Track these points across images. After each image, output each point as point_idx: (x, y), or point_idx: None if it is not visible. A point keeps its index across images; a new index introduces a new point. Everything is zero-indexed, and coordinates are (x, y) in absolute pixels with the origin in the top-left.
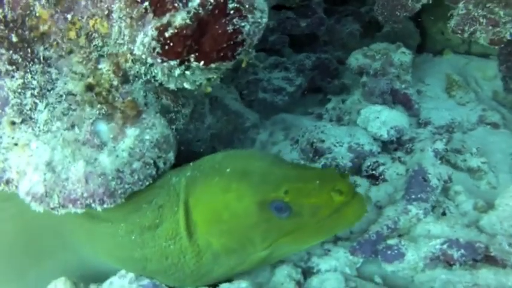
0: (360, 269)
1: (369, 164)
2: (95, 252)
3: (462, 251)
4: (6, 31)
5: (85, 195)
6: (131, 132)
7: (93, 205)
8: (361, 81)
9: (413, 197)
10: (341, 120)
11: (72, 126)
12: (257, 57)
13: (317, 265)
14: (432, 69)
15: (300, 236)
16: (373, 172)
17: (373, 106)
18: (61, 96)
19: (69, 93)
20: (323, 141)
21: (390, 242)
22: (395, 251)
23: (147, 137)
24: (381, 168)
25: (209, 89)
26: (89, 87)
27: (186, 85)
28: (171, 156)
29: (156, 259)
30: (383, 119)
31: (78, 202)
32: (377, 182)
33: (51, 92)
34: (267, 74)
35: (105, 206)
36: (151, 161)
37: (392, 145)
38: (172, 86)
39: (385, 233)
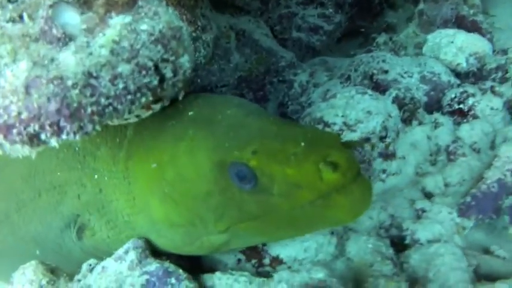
0: (468, 237)
1: (453, 95)
2: None
3: None
4: None
5: (24, 116)
6: (117, 20)
7: (42, 136)
8: (417, 10)
9: None
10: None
11: (20, 16)
12: None
13: (413, 233)
14: None
15: (267, 226)
16: (460, 106)
17: (443, 30)
18: None
19: None
20: (386, 71)
21: None
22: None
23: (144, 27)
24: (471, 100)
25: None
26: None
27: None
28: (186, 62)
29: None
30: (459, 44)
31: (14, 131)
32: (465, 120)
33: None
34: (300, 9)
35: (63, 137)
36: (151, 64)
37: (470, 78)
38: None
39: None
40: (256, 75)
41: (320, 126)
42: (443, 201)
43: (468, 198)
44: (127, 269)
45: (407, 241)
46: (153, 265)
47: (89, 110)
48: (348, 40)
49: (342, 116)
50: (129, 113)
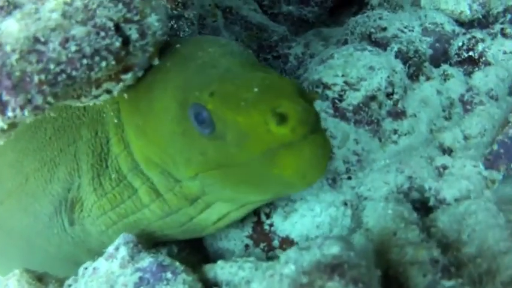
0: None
1: (461, 43)
2: None
3: None
4: None
5: None
6: None
7: None
8: None
9: None
10: None
11: None
12: None
13: (437, 192)
14: None
15: (229, 177)
16: (470, 54)
17: None
18: None
19: None
20: (384, 28)
21: None
22: None
23: None
24: (481, 46)
25: None
26: None
27: None
28: (154, 22)
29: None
30: None
31: None
32: (477, 67)
33: None
34: None
35: (8, 114)
36: (111, 25)
37: (476, 27)
38: None
39: None
40: None
41: (319, 90)
42: (465, 155)
43: (495, 147)
44: (118, 268)
45: (431, 203)
46: (146, 260)
47: (36, 78)
48: (341, 10)
49: (342, 75)
50: (91, 83)
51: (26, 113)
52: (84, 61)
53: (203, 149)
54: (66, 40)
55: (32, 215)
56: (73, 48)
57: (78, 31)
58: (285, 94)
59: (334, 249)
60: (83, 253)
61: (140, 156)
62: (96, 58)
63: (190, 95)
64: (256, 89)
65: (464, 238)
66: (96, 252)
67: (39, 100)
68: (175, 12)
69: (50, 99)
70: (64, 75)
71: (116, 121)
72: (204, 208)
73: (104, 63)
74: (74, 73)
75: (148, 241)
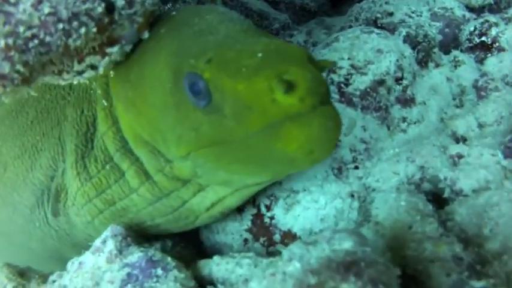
0: None
1: (472, 28)
2: None
3: None
4: None
5: None
6: None
7: None
8: None
9: None
10: None
11: None
12: None
13: (453, 183)
14: None
15: (224, 155)
16: (483, 39)
17: None
18: None
19: None
20: (391, 14)
21: None
22: None
23: None
24: (494, 30)
25: None
26: None
27: None
28: None
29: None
30: None
31: None
32: (490, 53)
33: None
34: None
35: None
36: None
37: (486, 13)
38: None
39: None
40: None
41: (324, 74)
42: (482, 143)
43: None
44: (105, 262)
45: (446, 194)
46: (135, 254)
47: (2, 43)
48: (344, 1)
49: (349, 58)
50: (71, 55)
51: None
52: (60, 25)
53: (197, 123)
54: (40, 1)
55: (11, 208)
56: (46, 9)
57: None
58: (293, 59)
59: (347, 244)
60: (68, 248)
61: (129, 133)
62: (74, 23)
63: (184, 63)
64: (260, 54)
65: (486, 233)
66: (82, 247)
67: (5, 68)
68: None
69: (19, 67)
70: (36, 41)
71: (103, 94)
72: (197, 191)
73: (83, 30)
74: (47, 39)
75: (139, 234)
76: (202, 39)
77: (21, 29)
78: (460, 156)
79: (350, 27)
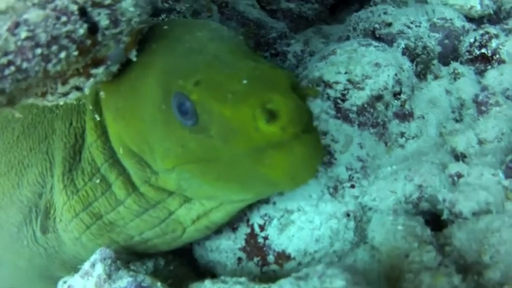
0: None
1: (472, 40)
2: None
3: None
4: None
5: None
6: None
7: None
8: None
9: None
10: None
11: None
12: None
13: (452, 205)
14: None
15: (209, 172)
16: (483, 51)
17: None
18: None
19: None
20: (389, 24)
21: None
22: None
23: None
24: (494, 42)
25: None
26: None
27: None
28: (129, 7)
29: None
30: None
31: None
32: (490, 66)
33: None
34: None
35: None
36: (74, 8)
37: (485, 24)
38: None
39: None
40: None
41: (320, 88)
42: (482, 162)
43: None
44: (94, 287)
45: (444, 216)
46: (124, 279)
47: None
48: (342, 8)
49: (346, 72)
50: (53, 79)
51: None
52: (38, 51)
53: (183, 140)
54: (16, 25)
55: None
56: (23, 34)
57: (33, 15)
58: (277, 88)
59: (339, 283)
60: (57, 266)
61: (117, 143)
62: (54, 47)
63: (174, 82)
64: (245, 81)
65: (486, 260)
66: (71, 265)
67: None
68: (166, 5)
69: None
70: (13, 68)
71: (93, 104)
72: (183, 201)
73: (63, 54)
74: (24, 65)
75: (129, 252)
76: (191, 59)
77: None
78: (459, 176)
79: (348, 37)
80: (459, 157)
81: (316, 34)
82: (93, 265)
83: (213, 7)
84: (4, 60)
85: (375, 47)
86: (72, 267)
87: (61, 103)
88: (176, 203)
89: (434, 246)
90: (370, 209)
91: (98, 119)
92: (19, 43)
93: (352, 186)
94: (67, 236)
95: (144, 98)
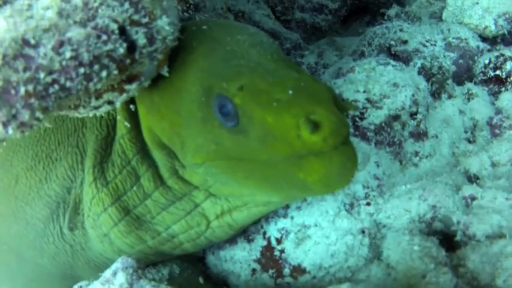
0: None
1: (487, 61)
2: None
3: None
4: None
5: None
6: None
7: None
8: None
9: None
10: None
11: None
12: None
13: (466, 227)
14: None
15: (239, 170)
16: (497, 73)
17: None
18: None
19: None
20: (405, 41)
21: None
22: None
23: None
24: (509, 65)
25: None
26: None
27: None
28: (165, 25)
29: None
30: (485, 5)
31: None
32: (504, 88)
33: None
34: None
35: None
36: (115, 27)
37: (499, 43)
38: None
39: None
40: None
41: None
42: (495, 185)
43: None
44: None
45: (458, 237)
46: None
47: (22, 90)
48: (354, 19)
49: (364, 91)
50: (89, 95)
51: (10, 130)
52: (81, 70)
53: (219, 139)
54: (61, 44)
55: (22, 222)
56: (68, 54)
57: (75, 33)
58: (320, 101)
59: None
60: (81, 264)
61: (148, 135)
62: (96, 67)
63: (216, 83)
64: (290, 91)
65: (499, 284)
66: (95, 264)
67: (25, 116)
68: (186, 14)
69: (38, 114)
70: (56, 87)
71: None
72: (209, 194)
73: (104, 73)
74: (68, 84)
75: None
76: (234, 62)
77: (41, 74)
78: (473, 198)
79: (362, 52)
80: (472, 179)
81: (330, 46)
82: (114, 273)
83: (230, 16)
84: (49, 79)
85: (393, 66)
86: (97, 266)
87: (91, 115)
88: (202, 195)
89: (449, 267)
90: (384, 226)
91: (131, 111)
92: (64, 62)
93: (368, 204)
94: (95, 232)
95: (183, 94)
